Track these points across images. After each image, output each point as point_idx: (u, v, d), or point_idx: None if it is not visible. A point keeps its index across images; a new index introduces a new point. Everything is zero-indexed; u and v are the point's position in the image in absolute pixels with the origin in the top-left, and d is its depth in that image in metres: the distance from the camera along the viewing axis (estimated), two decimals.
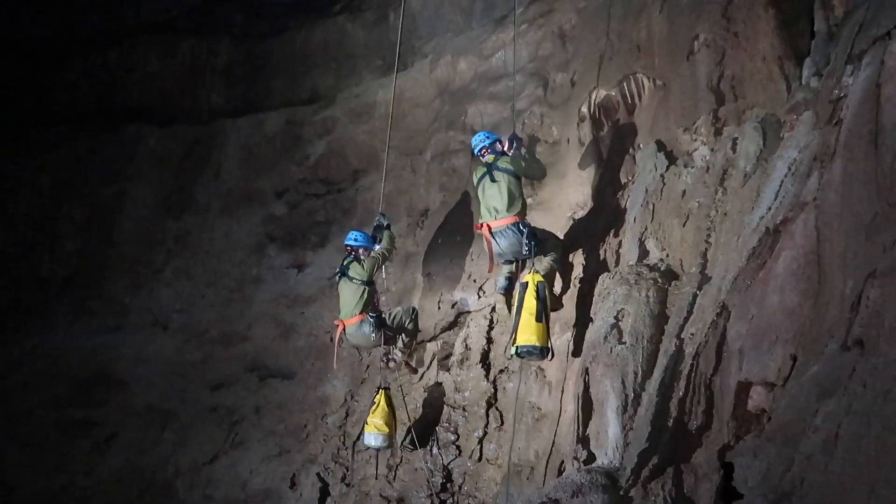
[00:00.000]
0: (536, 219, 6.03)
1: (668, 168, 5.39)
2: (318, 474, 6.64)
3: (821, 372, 3.12)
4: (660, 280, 4.85)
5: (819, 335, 3.40)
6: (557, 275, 5.71)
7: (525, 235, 5.35)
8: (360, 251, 6.33)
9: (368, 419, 6.05)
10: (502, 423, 5.97)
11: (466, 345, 6.51)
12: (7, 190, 9.78)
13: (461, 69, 8.17)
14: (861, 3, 4.22)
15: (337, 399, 7.08)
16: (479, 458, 5.92)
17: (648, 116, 5.86)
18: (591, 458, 4.47)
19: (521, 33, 7.38)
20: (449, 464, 6.02)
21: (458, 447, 6.07)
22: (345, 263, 6.32)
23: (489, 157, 5.72)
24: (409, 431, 6.22)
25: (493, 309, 6.52)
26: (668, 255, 5.06)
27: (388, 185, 7.31)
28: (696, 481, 3.85)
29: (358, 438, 6.30)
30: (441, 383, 6.47)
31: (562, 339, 5.48)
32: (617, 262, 5.45)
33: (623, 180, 5.87)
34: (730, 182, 4.86)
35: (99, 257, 9.27)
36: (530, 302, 5.02)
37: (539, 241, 5.42)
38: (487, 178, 5.62)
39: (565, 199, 6.46)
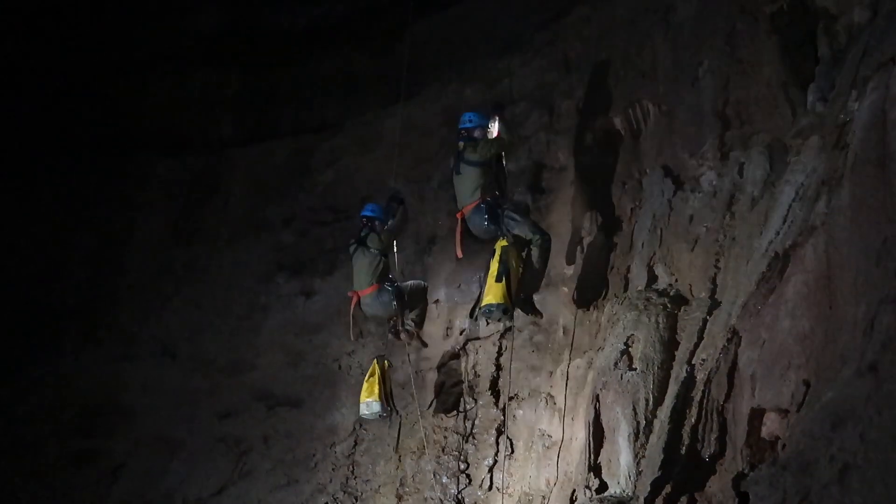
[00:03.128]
0: None
1: (675, 193, 5.41)
2: None
3: (835, 399, 3.08)
4: (669, 305, 4.83)
5: (832, 361, 3.36)
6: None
7: (485, 211, 5.45)
8: (376, 222, 6.59)
9: (363, 388, 6.07)
10: (512, 451, 5.92)
11: (475, 372, 6.47)
12: (17, 219, 9.85)
13: (467, 96, 8.25)
14: (865, 28, 4.26)
15: (345, 427, 7.03)
16: (490, 487, 5.85)
17: (654, 142, 5.89)
18: (604, 486, 4.42)
19: (527, 61, 7.46)
20: (459, 493, 5.95)
21: (468, 476, 6.01)
22: (362, 235, 6.53)
23: (461, 144, 5.77)
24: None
25: (503, 335, 6.50)
26: (676, 280, 5.05)
27: None
28: None
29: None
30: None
31: (572, 366, 5.45)
32: (625, 288, 5.43)
33: (630, 206, 5.88)
34: (737, 207, 4.86)
35: (108, 286, 9.29)
36: (493, 266, 5.25)
37: (498, 217, 5.47)
38: (454, 171, 5.73)
39: (572, 224, 6.46)
